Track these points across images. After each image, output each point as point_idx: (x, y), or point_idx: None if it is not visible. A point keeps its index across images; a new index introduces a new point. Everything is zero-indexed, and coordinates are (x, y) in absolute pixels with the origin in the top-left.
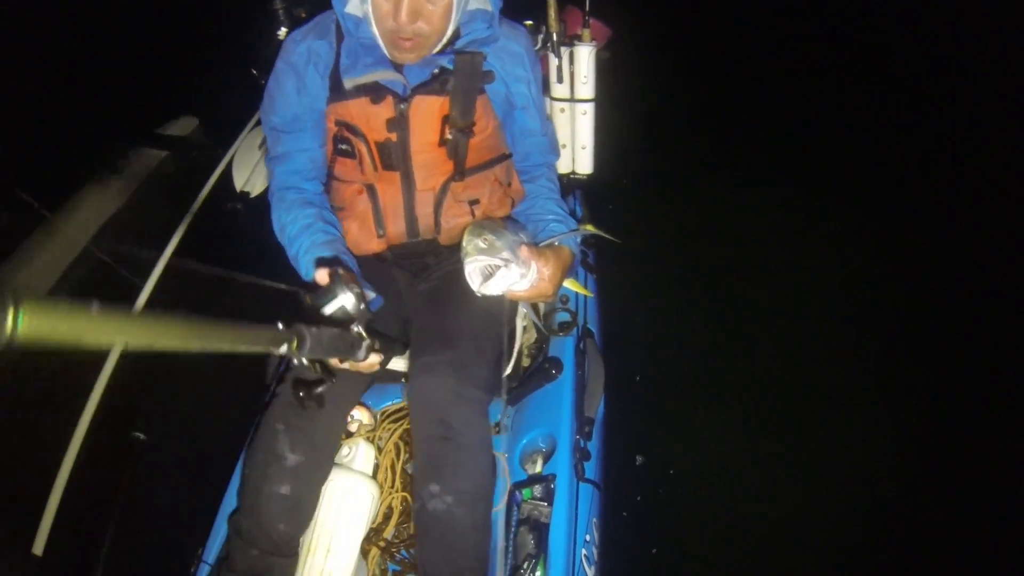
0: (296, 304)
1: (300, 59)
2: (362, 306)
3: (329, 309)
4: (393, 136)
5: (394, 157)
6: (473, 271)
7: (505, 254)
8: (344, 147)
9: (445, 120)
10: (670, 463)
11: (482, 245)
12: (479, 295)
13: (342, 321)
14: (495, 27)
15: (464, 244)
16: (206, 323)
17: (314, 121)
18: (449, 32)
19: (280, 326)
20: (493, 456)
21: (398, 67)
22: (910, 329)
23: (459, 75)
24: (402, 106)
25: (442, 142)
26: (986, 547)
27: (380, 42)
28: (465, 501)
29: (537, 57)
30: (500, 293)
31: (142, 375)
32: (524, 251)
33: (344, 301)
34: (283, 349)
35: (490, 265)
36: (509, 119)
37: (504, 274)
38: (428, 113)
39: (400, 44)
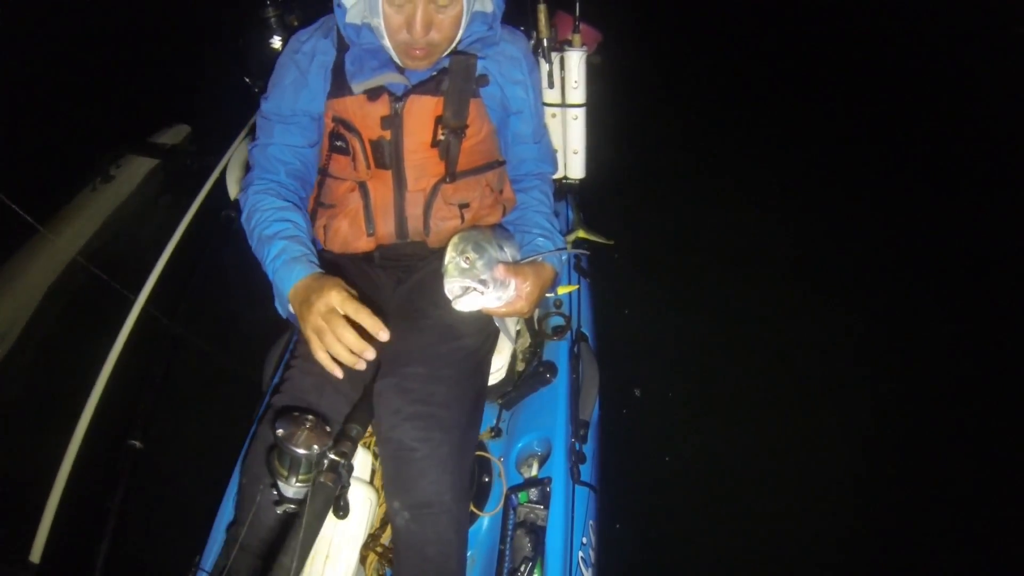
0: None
1: (305, 56)
2: (332, 456)
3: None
4: (387, 134)
5: (387, 155)
6: (451, 288)
7: (484, 276)
8: (339, 143)
9: (438, 121)
10: (665, 464)
11: (464, 265)
12: (455, 308)
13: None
14: (496, 28)
15: (446, 261)
16: None
17: (308, 120)
18: (458, 38)
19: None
20: (455, 468)
21: (400, 69)
22: (905, 328)
23: (454, 75)
24: (397, 105)
25: (435, 143)
26: (979, 547)
27: (392, 53)
28: (422, 516)
29: (536, 63)
30: (475, 310)
31: (138, 383)
32: (502, 271)
33: (303, 458)
34: None
35: (467, 286)
36: (504, 125)
37: (480, 293)
38: (422, 112)
39: (412, 54)
